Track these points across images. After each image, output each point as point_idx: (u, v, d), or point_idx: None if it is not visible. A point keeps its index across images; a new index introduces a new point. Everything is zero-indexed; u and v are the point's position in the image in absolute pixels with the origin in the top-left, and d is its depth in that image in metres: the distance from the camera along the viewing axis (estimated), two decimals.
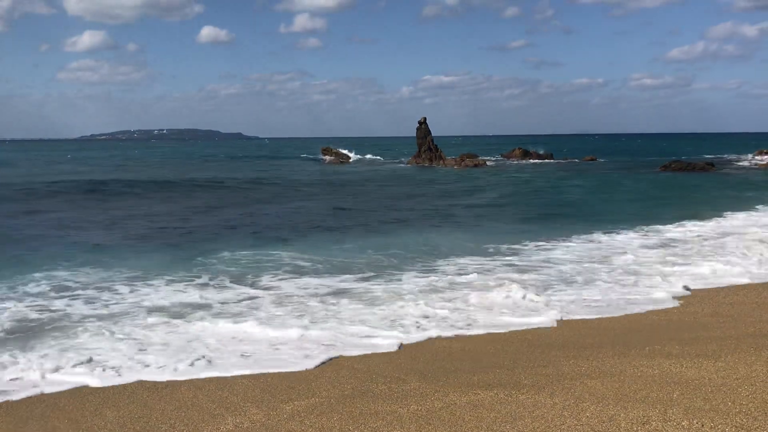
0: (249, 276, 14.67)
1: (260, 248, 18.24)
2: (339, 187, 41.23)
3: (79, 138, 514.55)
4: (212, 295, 12.91)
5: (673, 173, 51.93)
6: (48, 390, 8.00)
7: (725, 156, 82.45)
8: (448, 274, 14.64)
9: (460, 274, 14.59)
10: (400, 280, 14.14)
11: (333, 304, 12.00)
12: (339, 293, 12.91)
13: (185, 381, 8.20)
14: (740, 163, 66.01)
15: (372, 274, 14.75)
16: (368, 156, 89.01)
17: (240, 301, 12.49)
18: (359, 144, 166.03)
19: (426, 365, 8.51)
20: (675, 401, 6.28)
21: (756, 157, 67.00)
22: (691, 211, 26.05)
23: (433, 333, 10.11)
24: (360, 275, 14.64)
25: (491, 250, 17.80)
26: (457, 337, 9.90)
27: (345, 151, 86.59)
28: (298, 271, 15.13)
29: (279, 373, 8.38)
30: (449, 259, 16.58)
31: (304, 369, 8.54)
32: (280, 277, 14.64)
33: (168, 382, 8.20)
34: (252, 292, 13.24)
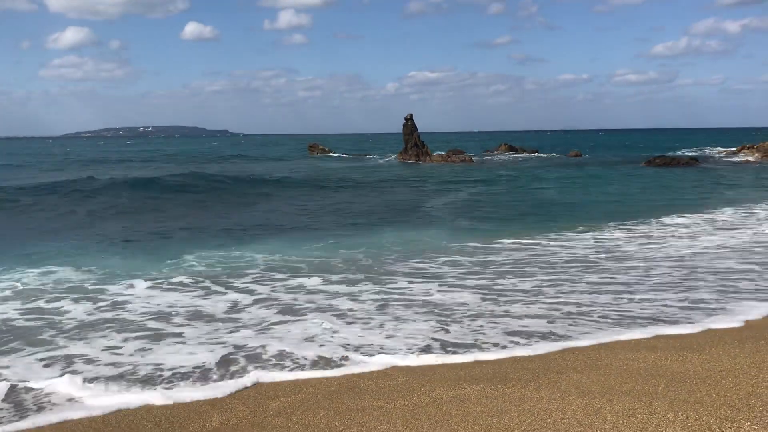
0: (225, 278, 14.62)
1: (271, 248, 18.17)
2: (323, 185, 41.11)
3: (63, 135, 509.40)
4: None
5: (657, 168, 52.25)
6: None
7: (707, 150, 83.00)
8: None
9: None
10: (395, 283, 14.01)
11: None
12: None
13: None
14: (723, 158, 66.50)
15: (361, 276, 14.62)
16: (354, 152, 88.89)
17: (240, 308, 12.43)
18: (345, 140, 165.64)
19: (412, 360, 8.50)
20: (660, 394, 6.31)
21: (741, 153, 67.48)
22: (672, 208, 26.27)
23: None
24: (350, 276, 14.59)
25: (455, 248, 17.54)
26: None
27: (332, 152, 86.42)
28: (285, 271, 15.10)
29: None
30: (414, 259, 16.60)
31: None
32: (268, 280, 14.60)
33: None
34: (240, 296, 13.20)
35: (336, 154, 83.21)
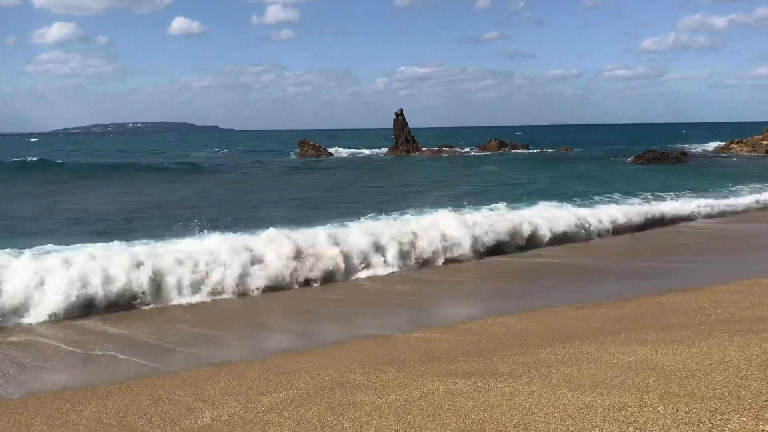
0: None
1: None
2: (312, 184, 41.08)
3: (51, 132, 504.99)
4: None
5: (647, 164, 52.42)
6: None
7: (696, 145, 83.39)
8: None
9: None
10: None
11: None
12: None
13: (166, 372, 8.14)
14: (712, 153, 66.89)
15: None
16: (345, 148, 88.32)
17: None
18: (335, 136, 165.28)
19: (405, 354, 8.52)
20: (650, 387, 6.33)
21: (730, 147, 67.78)
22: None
23: None
24: None
25: None
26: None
27: (323, 150, 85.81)
28: None
29: (254, 363, 8.37)
30: None
31: None
32: None
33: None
34: None
35: (328, 150, 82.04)
